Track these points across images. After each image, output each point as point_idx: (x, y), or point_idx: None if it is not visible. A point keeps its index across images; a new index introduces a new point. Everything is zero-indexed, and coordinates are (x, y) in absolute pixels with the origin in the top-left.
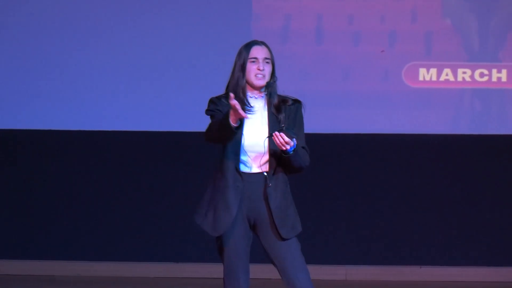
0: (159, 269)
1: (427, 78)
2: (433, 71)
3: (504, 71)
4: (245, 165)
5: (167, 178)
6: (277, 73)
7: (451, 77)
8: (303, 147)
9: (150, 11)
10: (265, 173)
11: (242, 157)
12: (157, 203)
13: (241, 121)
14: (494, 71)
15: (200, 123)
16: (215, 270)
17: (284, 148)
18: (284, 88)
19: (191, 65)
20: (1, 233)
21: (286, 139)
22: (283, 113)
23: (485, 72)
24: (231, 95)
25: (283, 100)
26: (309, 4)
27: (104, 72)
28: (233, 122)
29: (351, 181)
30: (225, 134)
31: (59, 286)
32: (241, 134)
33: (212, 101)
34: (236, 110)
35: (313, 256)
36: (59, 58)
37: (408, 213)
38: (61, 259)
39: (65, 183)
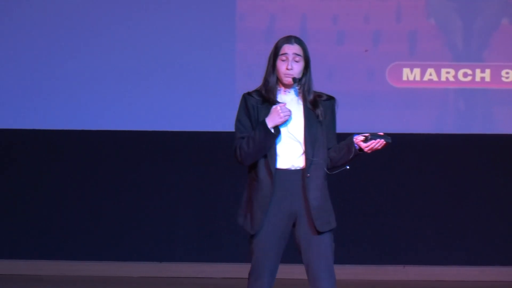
0: (144, 269)
1: (411, 78)
2: (417, 71)
3: (487, 71)
4: (282, 160)
5: (166, 178)
6: (260, 72)
7: (434, 77)
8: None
9: (136, 11)
10: (303, 165)
11: (278, 152)
12: (150, 202)
13: (277, 128)
14: (477, 71)
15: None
16: (200, 270)
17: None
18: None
19: (178, 64)
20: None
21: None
22: (320, 107)
23: (469, 72)
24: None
25: (318, 95)
26: (294, 3)
27: (104, 72)
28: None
29: (335, 182)
30: (264, 144)
31: (46, 286)
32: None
33: (243, 98)
34: (280, 115)
35: (292, 256)
36: (59, 58)
37: (392, 212)
38: (49, 259)
39: (61, 183)
